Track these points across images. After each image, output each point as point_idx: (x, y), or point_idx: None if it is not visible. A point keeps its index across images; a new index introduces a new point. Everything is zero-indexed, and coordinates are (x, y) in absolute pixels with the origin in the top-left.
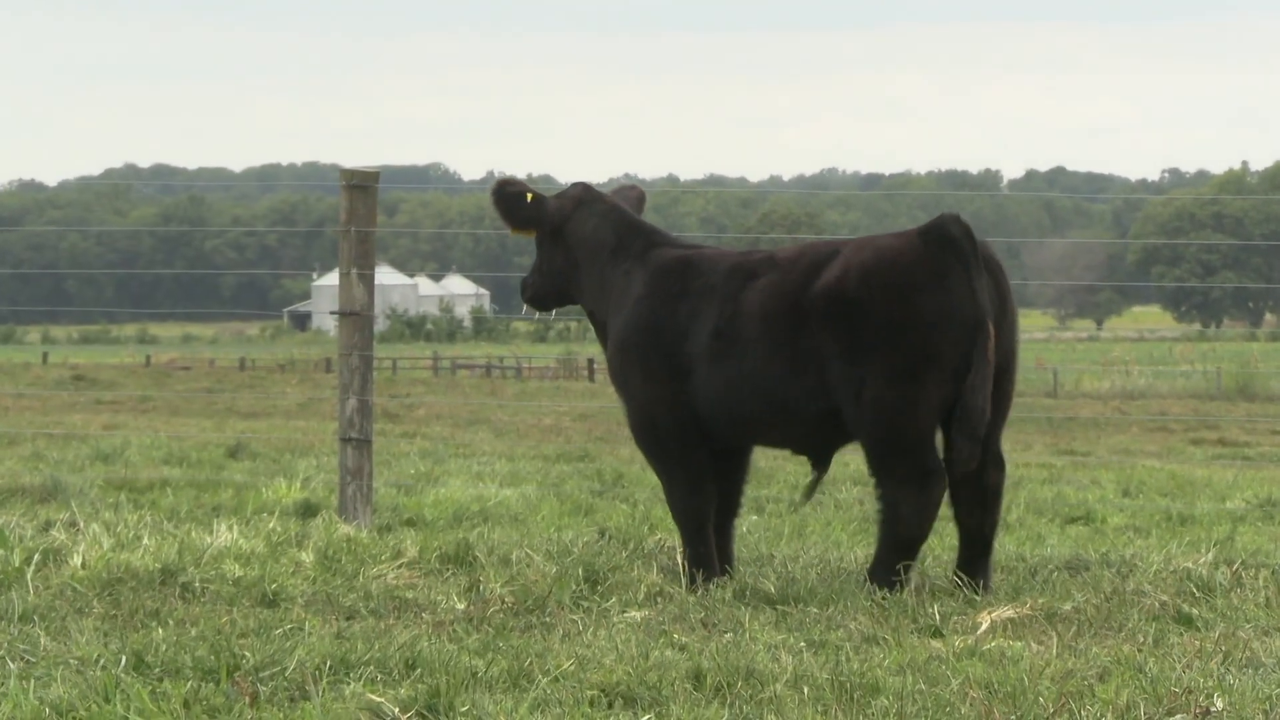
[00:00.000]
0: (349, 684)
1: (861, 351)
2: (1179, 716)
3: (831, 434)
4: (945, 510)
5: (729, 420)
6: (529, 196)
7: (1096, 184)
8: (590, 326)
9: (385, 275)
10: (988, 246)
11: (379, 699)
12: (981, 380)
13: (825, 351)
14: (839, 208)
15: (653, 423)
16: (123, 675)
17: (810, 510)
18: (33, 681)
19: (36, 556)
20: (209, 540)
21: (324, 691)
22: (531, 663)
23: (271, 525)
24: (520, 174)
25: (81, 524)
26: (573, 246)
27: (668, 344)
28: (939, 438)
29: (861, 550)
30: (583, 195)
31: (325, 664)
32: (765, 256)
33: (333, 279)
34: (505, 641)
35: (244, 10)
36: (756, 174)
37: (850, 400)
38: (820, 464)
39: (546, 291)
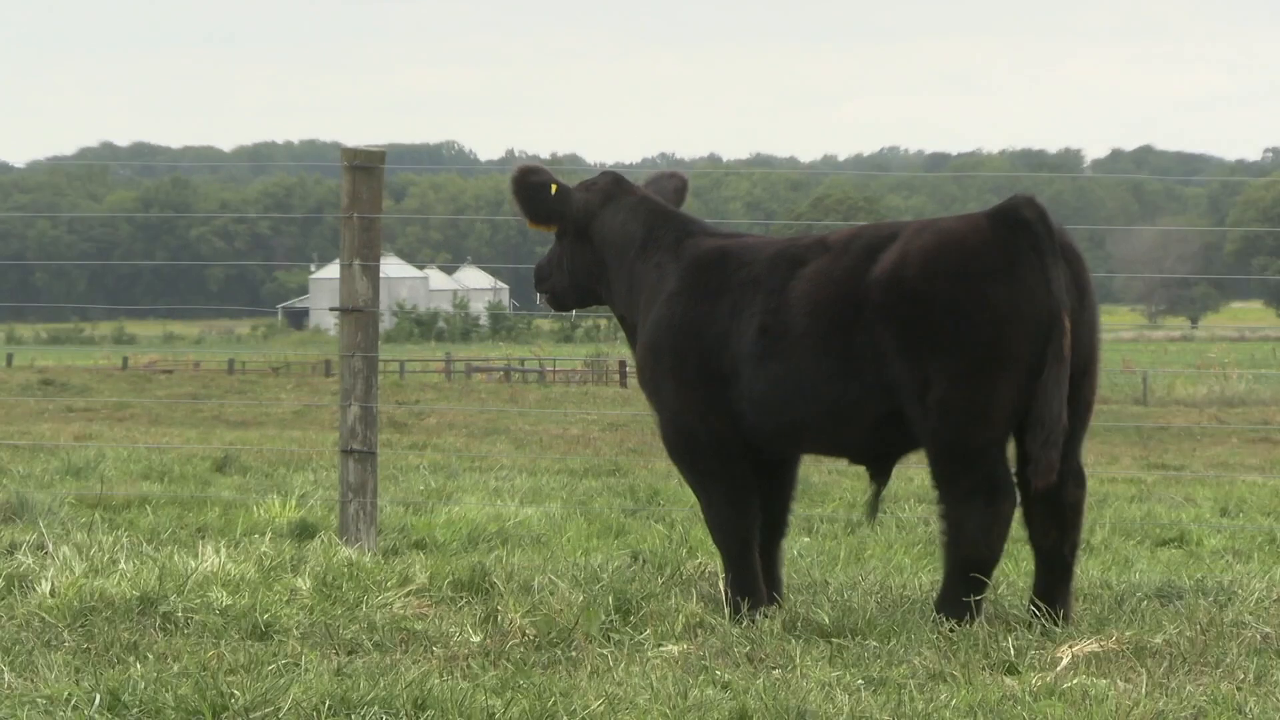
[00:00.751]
0: None
1: (923, 348)
2: None
3: (891, 440)
4: (1021, 532)
5: (775, 427)
6: (553, 188)
7: (1190, 165)
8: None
9: (392, 267)
10: (1066, 234)
11: None
12: (1056, 382)
13: (883, 347)
14: (901, 191)
15: (688, 433)
16: (96, 716)
17: (869, 531)
18: None
19: (0, 583)
20: (193, 565)
21: None
22: (555, 703)
23: (263, 548)
24: (544, 154)
25: (50, 547)
26: (599, 246)
27: (705, 345)
28: (1011, 449)
29: (926, 576)
30: (611, 188)
31: (324, 704)
32: (814, 241)
33: (333, 271)
34: (526, 679)
35: None
36: (808, 154)
37: (914, 403)
38: (880, 475)
39: (568, 290)
